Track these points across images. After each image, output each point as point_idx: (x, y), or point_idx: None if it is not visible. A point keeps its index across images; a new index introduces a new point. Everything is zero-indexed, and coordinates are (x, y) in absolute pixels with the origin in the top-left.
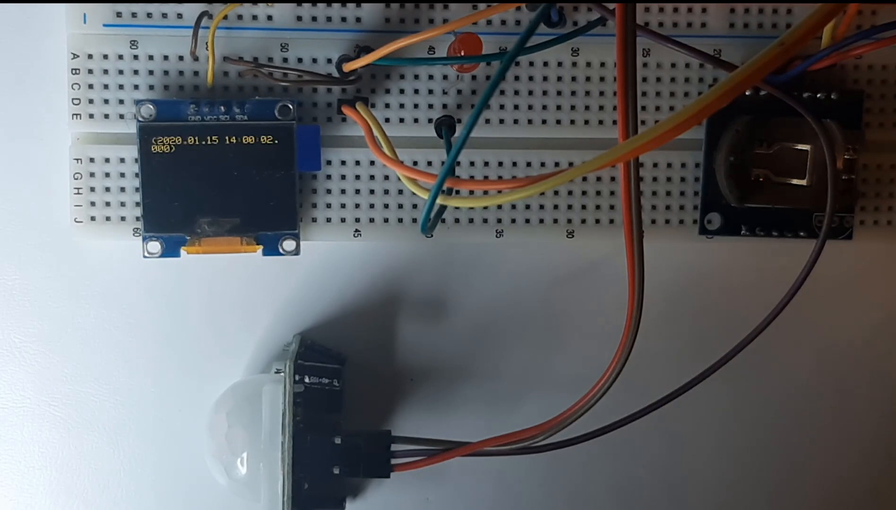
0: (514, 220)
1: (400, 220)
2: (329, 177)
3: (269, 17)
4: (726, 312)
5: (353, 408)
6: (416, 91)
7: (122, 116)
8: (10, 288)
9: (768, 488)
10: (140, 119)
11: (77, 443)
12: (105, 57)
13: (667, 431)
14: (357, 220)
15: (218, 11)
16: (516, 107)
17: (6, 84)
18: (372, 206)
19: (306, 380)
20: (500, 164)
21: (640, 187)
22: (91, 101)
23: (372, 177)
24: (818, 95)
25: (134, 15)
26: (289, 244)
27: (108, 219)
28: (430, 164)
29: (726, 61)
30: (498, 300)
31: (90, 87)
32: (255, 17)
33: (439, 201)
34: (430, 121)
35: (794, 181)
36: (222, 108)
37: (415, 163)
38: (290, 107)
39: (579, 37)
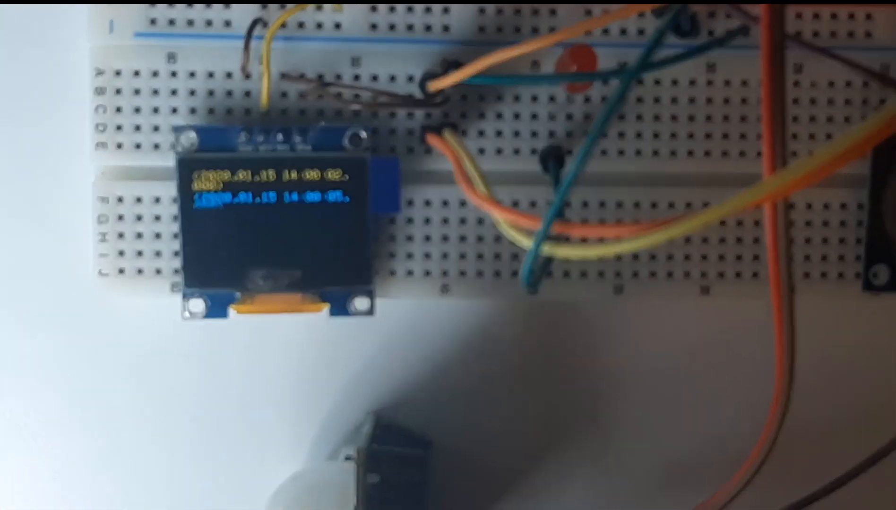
0: (636, 274)
1: (497, 274)
2: (410, 220)
3: (338, 26)
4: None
5: (438, 504)
6: (517, 116)
7: (157, 146)
8: (21, 356)
9: None
10: (180, 149)
11: None
12: (136, 74)
13: None
14: (444, 273)
15: (274, 18)
16: (639, 135)
17: (17, 107)
18: (462, 255)
19: (382, 469)
20: (619, 204)
21: (791, 233)
22: (119, 128)
23: (462, 220)
24: None
25: (172, 22)
26: (361, 302)
27: (139, 271)
28: (533, 205)
29: None
30: (616, 369)
31: (118, 110)
32: (319, 26)
33: (545, 250)
34: (533, 152)
35: None
36: (280, 136)
37: (515, 203)
38: (363, 135)
39: (716, 49)
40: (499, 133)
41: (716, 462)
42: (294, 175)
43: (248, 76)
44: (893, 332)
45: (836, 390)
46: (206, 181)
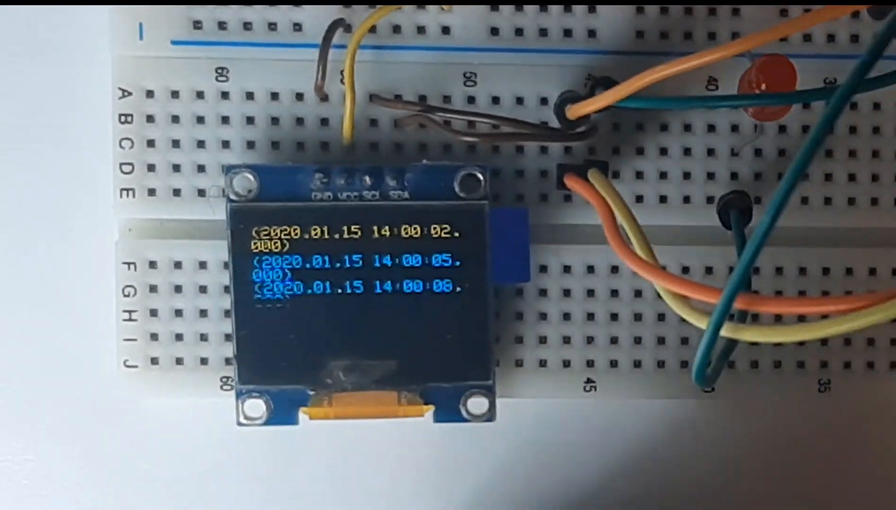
0: (848, 365)
1: (659, 365)
2: (543, 292)
3: (446, 31)
4: None
5: None
6: (687, 151)
7: (200, 193)
8: (33, 468)
9: None
10: (233, 197)
11: None
12: (174, 95)
13: None
14: (589, 364)
15: (360, 21)
16: (851, 177)
17: (17, 142)
18: (613, 340)
19: None
20: (826, 271)
21: None
22: (151, 169)
23: (614, 293)
24: None
25: (222, 26)
26: (478, 403)
27: (178, 361)
28: (709, 271)
29: None
30: (822, 485)
31: (150, 144)
32: (422, 31)
33: (725, 333)
34: (710, 200)
35: None
36: (367, 179)
37: (685, 269)
38: (481, 177)
39: None
40: (663, 175)
41: None
42: (386, 232)
43: (324, 98)
44: None
45: None
46: (269, 240)
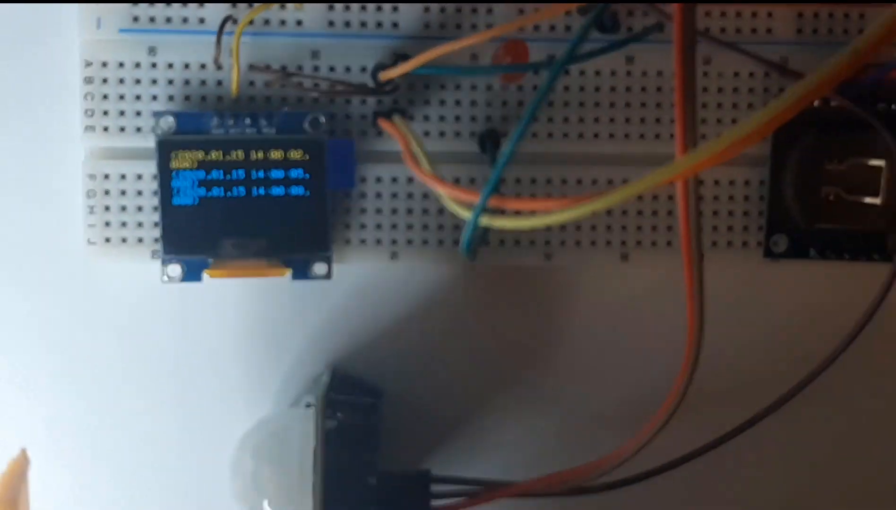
0: (563, 243)
1: (440, 242)
2: (364, 195)
3: (299, 23)
4: (793, 341)
5: (390, 446)
6: (458, 102)
7: (139, 129)
8: (18, 315)
9: None
10: (159, 132)
11: (90, 483)
12: (121, 65)
13: (728, 470)
14: (394, 242)
15: (243, 16)
16: (566, 119)
17: (14, 94)
18: (410, 226)
19: (339, 415)
20: (549, 181)
21: (700, 206)
22: (106, 113)
23: (410, 195)
24: (893, 106)
25: (152, 19)
26: (320, 267)
27: (124, 240)
28: (472, 181)
29: (793, 70)
30: (546, 328)
31: (105, 97)
32: (283, 23)
33: (483, 222)
34: (472, 134)
35: (868, 200)
36: (248, 120)
37: (456, 180)
38: (322, 119)
39: (634, 43)
40: (442, 118)
41: (637, 408)
42: (260, 155)
43: (219, 67)
44: (790, 294)
45: (741, 344)
46: (183, 160)
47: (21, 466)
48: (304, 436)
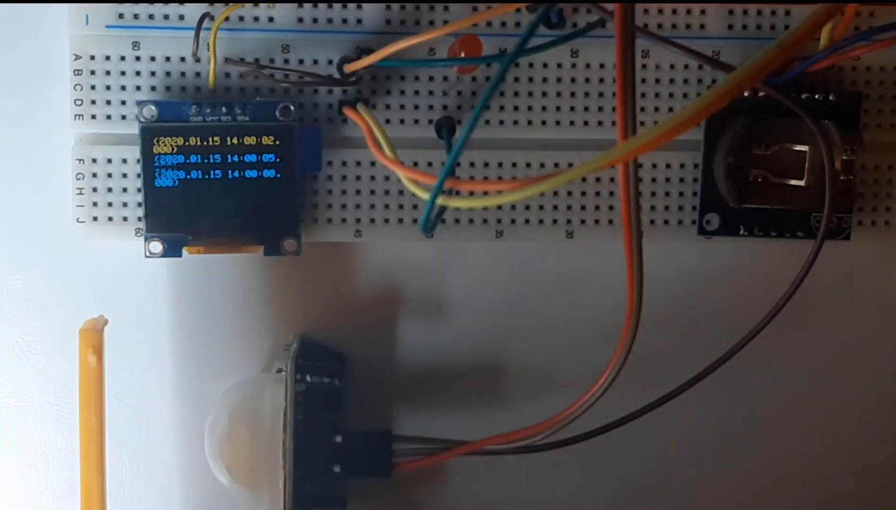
0: (513, 221)
1: (400, 221)
2: (330, 177)
3: (271, 19)
4: (725, 312)
5: (354, 408)
6: (417, 92)
7: (124, 117)
8: (12, 288)
9: (765, 488)
10: (142, 120)
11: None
12: (107, 58)
13: (666, 430)
14: (358, 221)
15: (219, 13)
16: (516, 108)
17: (9, 85)
18: (373, 206)
19: (307, 379)
20: (500, 164)
21: (640, 188)
22: (93, 102)
23: (373, 177)
24: (816, 96)
25: (136, 16)
26: (290, 244)
27: (110, 219)
28: (430, 165)
29: (725, 63)
30: (498, 300)
31: (92, 88)
32: (256, 19)
33: (439, 202)
34: (430, 122)
35: (793, 182)
36: (224, 109)
37: (415, 163)
38: (292, 108)
39: (579, 38)
40: (402, 106)
41: (581, 373)
42: (235, 141)
43: (198, 60)
44: (722, 268)
45: (677, 314)
46: (164, 146)
47: (100, 322)
48: (276, 398)
